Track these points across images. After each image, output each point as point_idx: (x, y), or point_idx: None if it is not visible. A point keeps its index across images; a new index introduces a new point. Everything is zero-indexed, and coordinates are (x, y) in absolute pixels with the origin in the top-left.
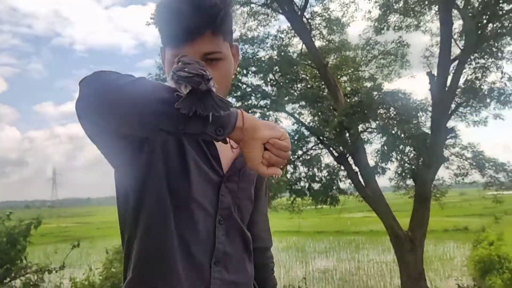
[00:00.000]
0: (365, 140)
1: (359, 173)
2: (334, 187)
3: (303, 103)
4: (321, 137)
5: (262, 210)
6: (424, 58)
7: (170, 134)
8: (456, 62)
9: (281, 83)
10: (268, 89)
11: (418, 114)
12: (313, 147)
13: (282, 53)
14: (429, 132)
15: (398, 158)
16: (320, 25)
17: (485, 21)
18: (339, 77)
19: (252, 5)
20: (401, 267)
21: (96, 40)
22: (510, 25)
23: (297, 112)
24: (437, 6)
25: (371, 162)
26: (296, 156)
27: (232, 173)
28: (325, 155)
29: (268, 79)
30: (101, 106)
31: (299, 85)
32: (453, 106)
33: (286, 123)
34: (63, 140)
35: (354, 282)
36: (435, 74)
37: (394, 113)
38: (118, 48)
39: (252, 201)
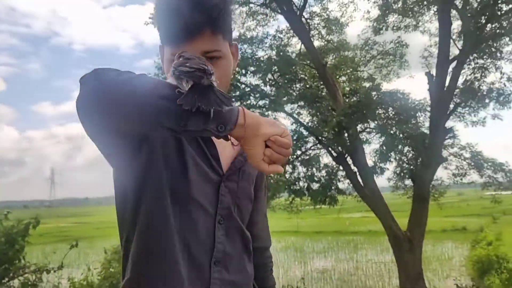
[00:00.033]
0: (364, 140)
1: (357, 173)
2: (332, 187)
3: (301, 103)
4: (319, 137)
5: (261, 209)
6: (422, 59)
7: (171, 131)
8: (455, 62)
9: (280, 83)
10: (267, 89)
11: (417, 114)
12: (312, 147)
13: (281, 53)
14: (428, 132)
15: (397, 158)
16: (319, 25)
17: (483, 21)
18: (337, 77)
19: (251, 5)
20: (399, 267)
21: (95, 40)
22: (508, 25)
23: (295, 112)
24: (435, 7)
25: (370, 162)
26: (295, 156)
27: (231, 173)
28: (323, 155)
29: (267, 79)
30: (101, 103)
31: (297, 85)
32: (451, 106)
33: (285, 123)
34: (61, 140)
35: (352, 282)
36: (434, 74)
37: (393, 113)
38: (117, 48)
39: (252, 201)
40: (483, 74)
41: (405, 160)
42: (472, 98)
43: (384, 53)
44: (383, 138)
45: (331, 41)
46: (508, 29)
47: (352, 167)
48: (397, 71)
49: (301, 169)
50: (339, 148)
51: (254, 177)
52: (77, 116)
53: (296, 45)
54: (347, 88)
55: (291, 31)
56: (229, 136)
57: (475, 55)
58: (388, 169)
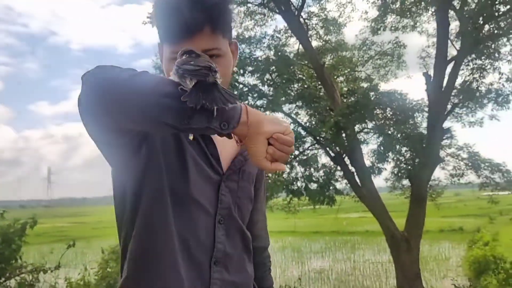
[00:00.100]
0: (362, 140)
1: (355, 173)
2: (330, 187)
3: (299, 103)
4: (317, 137)
5: (261, 209)
6: (420, 59)
7: (174, 128)
8: (453, 63)
9: (278, 83)
10: (265, 89)
11: (415, 115)
12: (310, 147)
13: (279, 53)
14: (425, 133)
15: (395, 158)
16: (317, 25)
17: (481, 22)
18: (335, 77)
19: (249, 5)
20: (397, 267)
21: (92, 39)
22: (506, 26)
23: (293, 112)
24: (433, 7)
25: (368, 162)
26: (292, 156)
27: (232, 172)
28: (321, 155)
29: (265, 79)
30: (103, 100)
31: (295, 85)
32: (449, 106)
33: None
34: (58, 140)
35: (349, 282)
36: (432, 75)
37: (391, 113)
38: (114, 47)
39: (252, 200)
40: (481, 75)
41: (402, 160)
42: (471, 98)
43: (382, 53)
44: (380, 138)
45: (329, 41)
46: (506, 29)
47: (350, 167)
48: (395, 72)
49: (299, 169)
50: (337, 148)
51: (254, 177)
52: (74, 115)
53: (294, 45)
54: (345, 88)
55: (289, 31)
56: (232, 134)
57: (473, 55)
58: (385, 169)
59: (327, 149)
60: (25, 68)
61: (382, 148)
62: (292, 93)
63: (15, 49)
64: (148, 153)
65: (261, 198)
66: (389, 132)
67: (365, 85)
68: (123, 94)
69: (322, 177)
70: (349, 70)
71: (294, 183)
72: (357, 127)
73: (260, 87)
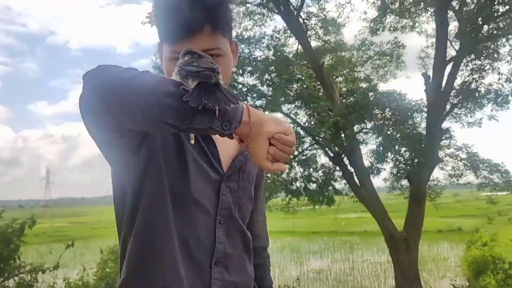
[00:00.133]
0: (361, 140)
1: (354, 174)
2: (330, 187)
3: (299, 103)
4: (316, 138)
5: (260, 209)
6: (419, 59)
7: (175, 128)
8: (452, 63)
9: (277, 83)
10: (264, 89)
11: (414, 115)
12: (309, 148)
13: (278, 53)
14: (424, 133)
15: (394, 158)
16: (316, 26)
17: (480, 22)
18: (334, 77)
19: (248, 5)
20: (395, 267)
21: (91, 39)
22: (505, 26)
23: (293, 112)
24: (433, 8)
25: (367, 162)
26: (292, 156)
27: (232, 172)
28: (320, 155)
29: (264, 79)
30: (105, 99)
31: (295, 85)
32: (448, 107)
33: None
34: (56, 140)
35: (348, 283)
36: (431, 75)
37: (390, 113)
38: (113, 47)
39: (252, 200)
40: (480, 75)
41: (401, 160)
42: (470, 99)
43: (381, 53)
44: (380, 139)
45: (328, 42)
46: (505, 30)
47: (349, 167)
48: (393, 72)
49: (298, 169)
50: (336, 148)
51: (255, 176)
52: (73, 115)
53: (293, 45)
54: (344, 89)
55: (288, 31)
56: (233, 134)
57: (472, 56)
58: (384, 169)
59: (326, 149)
60: (24, 68)
61: (381, 148)
62: (291, 93)
63: (14, 49)
64: (148, 153)
65: (261, 198)
66: (388, 132)
67: (364, 85)
68: (125, 93)
69: (321, 177)
70: (348, 70)
71: (293, 183)
72: (356, 127)
73: (259, 87)
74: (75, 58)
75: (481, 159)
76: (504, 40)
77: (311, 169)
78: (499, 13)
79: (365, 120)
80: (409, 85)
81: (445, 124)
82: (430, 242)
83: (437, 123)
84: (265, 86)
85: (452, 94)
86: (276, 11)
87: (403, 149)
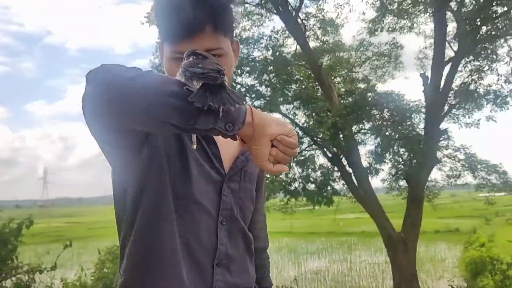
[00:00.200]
0: (359, 141)
1: (352, 174)
2: (328, 188)
3: (297, 103)
4: (315, 138)
5: (261, 209)
6: (417, 60)
7: (178, 129)
8: (450, 64)
9: (275, 84)
10: (263, 89)
11: (412, 116)
12: (307, 148)
13: (277, 54)
14: (423, 134)
15: (392, 159)
16: (314, 26)
17: (478, 23)
18: (333, 78)
19: (246, 5)
20: (393, 268)
21: (89, 39)
22: (504, 27)
23: (291, 112)
24: (431, 9)
25: (365, 163)
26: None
27: (233, 173)
28: (319, 156)
29: (263, 80)
30: (108, 99)
31: (293, 86)
32: (446, 107)
33: None
34: (54, 140)
35: (346, 283)
36: (429, 76)
37: (388, 114)
38: (111, 47)
39: (253, 201)
40: (479, 76)
41: (400, 161)
42: (469, 100)
43: (379, 54)
44: (378, 139)
45: (327, 42)
46: (503, 31)
47: (347, 168)
48: (392, 73)
49: (297, 170)
50: (334, 149)
51: (255, 177)
52: (71, 115)
53: (291, 45)
54: (342, 89)
55: (287, 32)
56: (236, 135)
57: (471, 57)
58: (383, 170)
59: (325, 149)
60: (22, 68)
61: (379, 149)
62: (289, 94)
63: (12, 48)
64: (149, 153)
65: (261, 199)
66: (387, 133)
67: (362, 86)
68: (128, 93)
69: (320, 178)
70: (346, 71)
71: (292, 183)
72: (354, 128)
73: (258, 87)
74: (73, 58)
75: (479, 160)
76: (502, 41)
77: (310, 170)
78: (498, 14)
79: (364, 121)
80: (407, 86)
81: (443, 125)
82: (427, 242)
83: (435, 123)
84: (263, 87)
85: (450, 94)
86: (275, 11)
87: (401, 150)
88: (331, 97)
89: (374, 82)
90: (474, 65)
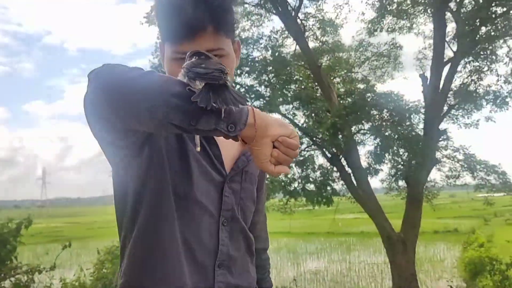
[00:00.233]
0: (358, 141)
1: (351, 175)
2: (328, 188)
3: (296, 104)
4: (314, 138)
5: (261, 210)
6: (417, 61)
7: (180, 129)
8: (449, 64)
9: (274, 84)
10: (262, 89)
11: (411, 116)
12: (306, 148)
13: (276, 54)
14: (422, 134)
15: (391, 160)
16: (313, 26)
17: (478, 24)
18: (332, 78)
19: (246, 5)
20: (393, 268)
21: (88, 39)
22: (503, 28)
23: (290, 113)
24: (430, 9)
25: (364, 163)
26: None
27: (235, 173)
28: (318, 156)
29: (262, 80)
30: (110, 99)
31: (292, 86)
32: (445, 108)
33: None
34: (53, 140)
35: (345, 283)
36: (428, 76)
37: (387, 114)
38: (110, 47)
39: (254, 202)
40: (479, 77)
41: (399, 161)
42: (469, 100)
43: (379, 54)
44: (377, 140)
45: (326, 43)
46: (502, 31)
47: (347, 168)
48: (391, 73)
49: (296, 170)
50: (334, 149)
51: (256, 178)
52: (69, 115)
53: (291, 46)
54: (342, 90)
55: (286, 32)
56: (238, 136)
57: (470, 57)
58: (382, 170)
59: (324, 150)
60: (21, 68)
61: (378, 149)
62: (289, 94)
63: (10, 48)
64: (151, 153)
65: (262, 199)
66: (386, 133)
67: (361, 86)
68: (130, 93)
69: (319, 178)
70: (345, 71)
71: (291, 184)
72: (353, 128)
73: (257, 88)
74: (72, 58)
75: (478, 160)
76: (501, 41)
77: (309, 170)
78: (497, 15)
79: (363, 121)
80: (407, 86)
81: (442, 125)
82: (426, 243)
83: (434, 124)
84: (262, 87)
85: (449, 95)
86: (274, 11)
87: (401, 150)
88: (331, 97)
89: (374, 82)
90: (473, 66)
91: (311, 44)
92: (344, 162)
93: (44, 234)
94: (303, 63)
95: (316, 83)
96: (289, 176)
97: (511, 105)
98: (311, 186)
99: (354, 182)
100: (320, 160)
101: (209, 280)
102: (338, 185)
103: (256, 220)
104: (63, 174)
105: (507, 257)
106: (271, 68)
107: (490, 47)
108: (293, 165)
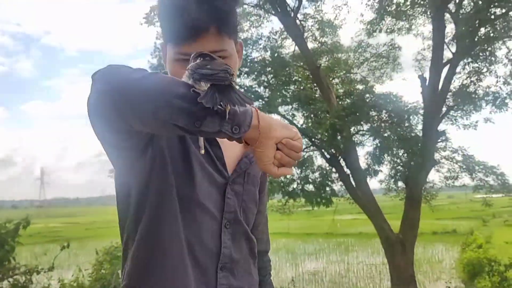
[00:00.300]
0: (357, 142)
1: (350, 175)
2: (327, 188)
3: (295, 105)
4: (313, 139)
5: (263, 212)
6: (416, 62)
7: (184, 131)
8: (448, 65)
9: (273, 85)
10: (261, 90)
11: (410, 117)
12: (305, 149)
13: (275, 55)
14: (421, 135)
15: (391, 161)
16: (312, 27)
17: (477, 25)
18: (331, 79)
19: (245, 6)
20: (391, 269)
21: (87, 39)
22: (502, 29)
23: (289, 114)
24: (429, 11)
25: (363, 164)
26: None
27: (237, 175)
28: (317, 157)
29: (261, 81)
30: (114, 100)
31: (291, 87)
32: (444, 109)
33: None
34: (51, 140)
35: (343, 284)
36: (427, 77)
37: (386, 115)
38: (109, 47)
39: (257, 203)
40: (478, 78)
41: (398, 162)
42: (468, 101)
43: (377, 55)
44: (376, 141)
45: (325, 43)
46: (501, 33)
47: (345, 169)
48: (390, 74)
49: (295, 171)
50: (333, 150)
51: (259, 179)
52: (68, 115)
53: (290, 46)
54: (341, 90)
55: (285, 33)
56: (242, 138)
57: (469, 59)
58: (381, 171)
59: (323, 151)
60: (19, 68)
61: (377, 150)
62: (288, 95)
63: (9, 48)
64: (154, 155)
65: (264, 201)
66: (385, 134)
67: (360, 87)
68: (134, 94)
69: (318, 179)
70: (344, 72)
71: (290, 184)
72: (352, 129)
73: (256, 88)
74: (70, 58)
75: (476, 161)
76: (500, 43)
77: (308, 171)
78: (496, 16)
79: (362, 122)
80: (405, 87)
81: (441, 127)
82: (425, 244)
83: (433, 125)
84: (262, 88)
85: (448, 96)
86: (273, 12)
87: (400, 151)
88: (330, 98)
89: (372, 83)
90: (472, 67)
91: (310, 45)
92: (343, 163)
93: (42, 235)
94: (302, 64)
95: (315, 84)
96: (288, 176)
97: (511, 106)
98: (310, 187)
99: (353, 183)
100: (319, 161)
101: (211, 283)
102: (337, 186)
103: (258, 222)
104: (62, 174)
105: (506, 258)
106: (270, 69)
107: (489, 48)
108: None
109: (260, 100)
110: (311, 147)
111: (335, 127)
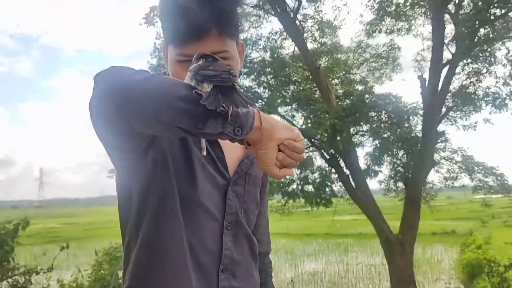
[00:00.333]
0: (357, 143)
1: (350, 176)
2: (327, 189)
3: (295, 105)
4: (313, 140)
5: (264, 213)
6: (415, 62)
7: (187, 133)
8: (448, 66)
9: (273, 85)
10: (261, 91)
11: (409, 118)
12: (305, 150)
13: (275, 55)
14: (420, 136)
15: (391, 161)
16: (312, 28)
17: (476, 26)
18: (331, 79)
19: (244, 6)
20: (391, 270)
21: (86, 39)
22: (501, 30)
23: (289, 114)
24: (429, 11)
25: (363, 165)
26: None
27: (238, 176)
28: (317, 157)
29: (261, 81)
30: (116, 102)
31: (291, 87)
32: (443, 110)
33: None
34: (51, 140)
35: (343, 285)
36: (426, 78)
37: (386, 116)
38: (108, 47)
39: (258, 205)
40: (478, 79)
41: (398, 163)
42: (468, 102)
43: (377, 56)
44: (376, 141)
45: (325, 44)
46: (501, 33)
47: (345, 169)
48: (389, 74)
49: (295, 171)
50: (332, 150)
51: (260, 180)
52: (67, 115)
53: (289, 47)
54: (340, 91)
55: (285, 33)
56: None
57: (469, 59)
58: (381, 171)
59: (323, 151)
60: (18, 68)
61: (377, 151)
62: (287, 95)
63: (8, 48)
64: (155, 156)
65: (265, 202)
66: (384, 135)
67: (360, 87)
68: (136, 96)
69: (318, 179)
70: (344, 72)
71: (290, 185)
72: (352, 130)
73: (256, 89)
74: (70, 58)
75: (476, 162)
76: (500, 43)
77: (308, 171)
78: (495, 17)
79: (361, 123)
80: (405, 88)
81: (440, 127)
82: (424, 244)
83: (432, 126)
84: (261, 88)
85: (447, 97)
86: (273, 13)
87: (399, 152)
88: (329, 98)
89: (372, 84)
90: (472, 68)
91: (310, 46)
92: (342, 164)
93: (41, 235)
94: (301, 64)
95: (314, 85)
96: (287, 177)
97: (510, 107)
98: (309, 188)
99: (353, 184)
100: (318, 161)
101: (212, 284)
102: (337, 187)
103: (259, 223)
104: (61, 174)
105: (505, 259)
106: (269, 69)
107: (489, 49)
108: None
109: (259, 101)
110: (311, 148)
111: (335, 127)
